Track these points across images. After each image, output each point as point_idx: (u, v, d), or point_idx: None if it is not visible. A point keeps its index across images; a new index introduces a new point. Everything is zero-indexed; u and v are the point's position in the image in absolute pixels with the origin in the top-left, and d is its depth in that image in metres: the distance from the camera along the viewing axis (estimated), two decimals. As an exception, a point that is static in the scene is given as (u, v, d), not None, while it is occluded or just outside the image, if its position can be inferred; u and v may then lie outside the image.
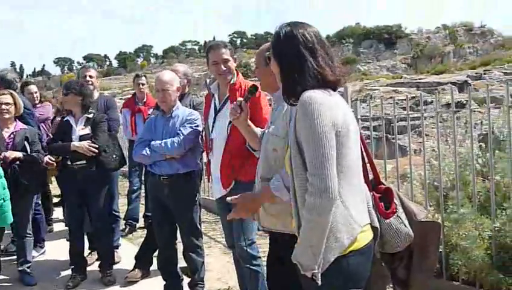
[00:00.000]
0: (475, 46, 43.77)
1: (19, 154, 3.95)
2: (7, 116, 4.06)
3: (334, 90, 1.77)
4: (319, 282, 1.62)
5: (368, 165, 2.01)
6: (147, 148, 3.45)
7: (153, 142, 3.45)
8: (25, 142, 4.04)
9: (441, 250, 3.26)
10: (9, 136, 4.03)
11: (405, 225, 1.90)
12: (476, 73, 26.84)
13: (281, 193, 2.01)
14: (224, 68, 3.04)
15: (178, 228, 3.65)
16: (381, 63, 48.42)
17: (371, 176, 2.01)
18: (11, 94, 4.15)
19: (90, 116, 4.04)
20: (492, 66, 27.74)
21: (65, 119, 4.09)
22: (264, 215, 2.20)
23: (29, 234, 4.20)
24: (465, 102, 15.94)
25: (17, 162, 3.91)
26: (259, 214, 2.22)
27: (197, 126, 3.48)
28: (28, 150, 4.04)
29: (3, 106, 4.03)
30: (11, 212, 3.65)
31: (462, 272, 3.27)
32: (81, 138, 3.95)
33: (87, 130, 3.99)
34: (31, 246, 4.26)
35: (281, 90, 1.82)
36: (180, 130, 3.44)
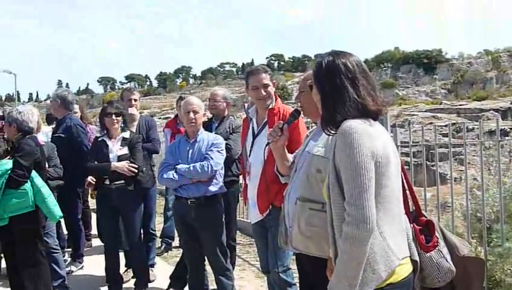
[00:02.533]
0: (520, 72, 42.41)
1: None
2: None
3: (375, 119, 1.76)
4: None
5: (409, 195, 1.97)
6: (173, 172, 3.52)
7: (179, 166, 3.52)
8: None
9: (484, 285, 3.13)
10: None
11: (446, 260, 1.84)
12: (521, 100, 25.93)
13: None
14: (264, 93, 3.08)
15: (206, 251, 3.66)
16: (420, 88, 47.62)
17: (411, 207, 1.97)
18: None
19: (127, 136, 4.13)
20: (538, 93, 26.74)
21: (100, 139, 4.14)
22: (298, 237, 2.18)
23: (56, 249, 4.24)
24: (508, 130, 15.43)
25: None
26: (292, 236, 2.21)
27: (223, 150, 3.59)
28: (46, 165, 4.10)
29: None
30: None
31: (506, 309, 3.13)
32: (120, 158, 4.03)
33: (125, 150, 4.07)
34: (60, 261, 4.29)
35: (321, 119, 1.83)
36: (207, 154, 3.51)
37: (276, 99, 3.15)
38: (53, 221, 3.93)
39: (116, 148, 4.08)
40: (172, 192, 3.76)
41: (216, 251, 3.58)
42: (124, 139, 4.13)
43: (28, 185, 3.59)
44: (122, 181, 4.02)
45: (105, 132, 4.12)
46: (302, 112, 2.54)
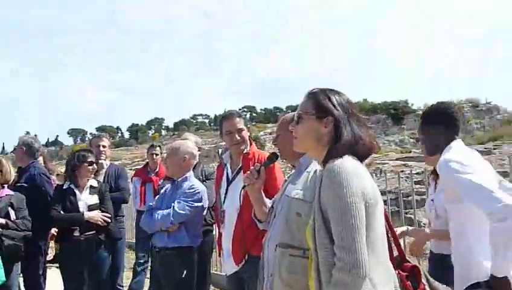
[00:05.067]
0: (482, 122, 44.20)
1: (1, 220, 3.81)
2: None
3: (362, 161, 1.70)
4: None
5: (392, 241, 1.89)
6: (151, 218, 3.42)
7: (154, 212, 3.42)
8: (9, 208, 3.92)
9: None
10: None
11: None
12: (486, 148, 26.82)
13: None
14: (238, 138, 3.02)
15: None
16: (389, 137, 48.80)
17: (395, 253, 1.88)
18: (1, 161, 4.11)
19: (95, 184, 4.00)
20: (501, 142, 27.75)
21: (67, 187, 3.96)
22: (279, 285, 2.05)
23: None
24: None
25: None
26: (273, 286, 2.07)
27: (194, 201, 3.38)
28: (13, 217, 3.91)
29: None
30: None
31: None
32: (90, 207, 3.87)
33: (95, 199, 3.92)
34: None
35: (308, 154, 1.80)
36: (174, 202, 3.36)
37: (250, 144, 3.09)
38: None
39: (85, 197, 3.91)
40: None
41: None
42: (92, 187, 3.97)
43: None
44: (93, 231, 3.82)
45: (69, 180, 3.97)
46: (279, 155, 2.48)
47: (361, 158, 1.70)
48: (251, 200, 2.43)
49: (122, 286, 4.75)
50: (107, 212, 3.90)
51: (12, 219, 3.90)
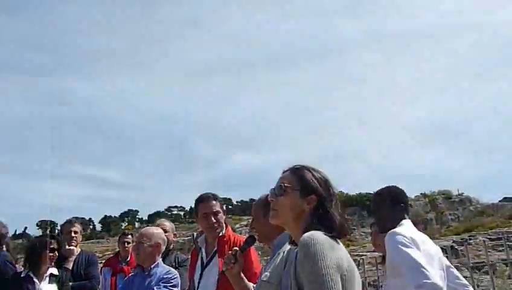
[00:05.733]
0: (456, 213, 44.77)
1: None
2: None
3: (338, 237, 1.69)
4: None
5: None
6: None
7: None
8: None
9: None
10: None
11: None
12: (462, 239, 26.94)
13: None
14: (214, 220, 3.01)
15: None
16: (365, 229, 48.58)
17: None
18: None
19: (55, 272, 3.83)
20: (476, 232, 28.00)
21: (25, 274, 3.77)
22: None
23: None
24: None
25: None
26: None
27: (173, 286, 3.30)
28: None
29: None
30: None
31: None
32: None
33: (54, 288, 3.73)
34: None
35: (285, 233, 1.84)
36: (153, 289, 3.25)
37: (226, 227, 3.07)
38: None
39: (44, 286, 3.72)
40: None
41: None
42: (52, 275, 3.80)
43: None
44: None
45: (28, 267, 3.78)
46: (256, 239, 2.47)
47: (336, 237, 1.69)
48: (233, 285, 2.38)
49: None
50: None
51: None
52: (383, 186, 2.79)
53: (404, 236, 2.37)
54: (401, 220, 2.59)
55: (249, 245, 2.45)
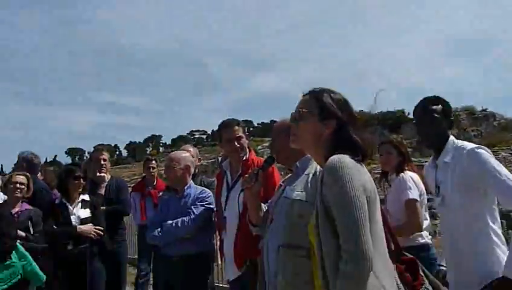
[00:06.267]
0: (479, 129, 44.27)
1: (22, 233, 3.92)
2: (19, 195, 4.14)
3: (362, 160, 1.72)
4: None
5: (389, 236, 1.93)
6: (158, 229, 3.39)
7: (164, 223, 3.39)
8: (29, 222, 4.04)
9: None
10: (14, 214, 4.06)
11: None
12: (484, 155, 26.82)
13: None
14: (238, 145, 3.07)
15: None
16: (386, 147, 48.71)
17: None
18: (26, 175, 4.24)
19: (87, 198, 4.04)
20: (498, 148, 27.82)
21: (59, 202, 4.02)
22: (284, 285, 2.06)
23: None
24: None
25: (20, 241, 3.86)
26: (278, 286, 2.09)
27: (209, 204, 3.43)
28: (31, 230, 4.03)
29: (18, 185, 4.13)
30: None
31: None
32: (82, 221, 3.91)
33: (87, 213, 3.97)
34: None
35: (307, 156, 1.89)
36: (191, 209, 3.40)
37: (249, 151, 3.14)
38: (39, 284, 3.75)
39: (77, 211, 3.96)
40: (161, 251, 3.55)
41: None
42: (84, 201, 4.02)
43: (13, 255, 3.54)
44: (87, 244, 3.86)
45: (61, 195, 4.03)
46: (276, 159, 2.52)
47: (358, 156, 1.72)
48: (247, 204, 2.47)
49: (124, 300, 4.75)
50: (100, 226, 3.93)
51: (31, 233, 4.01)
52: (429, 97, 2.51)
53: (486, 150, 2.25)
54: (448, 133, 2.44)
55: (269, 164, 2.51)
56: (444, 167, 2.35)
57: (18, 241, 3.85)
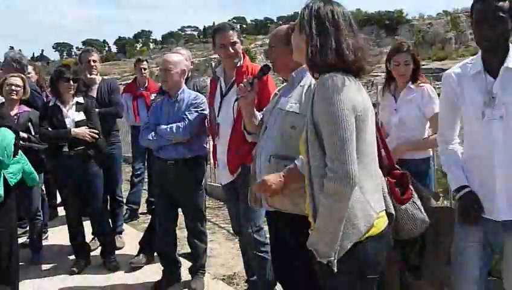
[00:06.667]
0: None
1: (23, 134, 3.96)
2: (15, 97, 4.12)
3: (356, 76, 1.70)
4: (335, 269, 1.59)
5: (383, 150, 1.96)
6: (152, 133, 3.41)
7: (158, 127, 3.41)
8: (29, 124, 4.07)
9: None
10: (13, 117, 4.06)
11: (421, 211, 1.87)
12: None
13: None
14: (232, 51, 2.97)
15: (183, 214, 3.62)
16: (382, 49, 48.09)
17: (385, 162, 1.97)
18: (22, 77, 4.21)
19: (81, 100, 3.99)
20: (494, 52, 27.58)
21: (53, 104, 3.96)
22: None
23: (39, 215, 4.29)
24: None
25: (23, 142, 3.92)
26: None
27: (203, 110, 3.42)
28: (32, 132, 4.09)
29: (13, 87, 4.10)
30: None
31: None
32: (77, 123, 3.89)
33: (82, 116, 3.93)
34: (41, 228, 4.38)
35: (303, 67, 1.81)
36: (185, 114, 3.39)
37: (244, 57, 3.06)
38: (34, 184, 3.85)
39: (71, 114, 3.92)
40: (154, 154, 3.59)
41: (193, 214, 3.55)
42: (78, 104, 3.97)
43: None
44: (82, 147, 3.89)
45: (55, 97, 3.97)
46: (272, 68, 2.48)
47: (352, 73, 1.68)
48: (242, 112, 2.47)
49: (122, 197, 4.93)
50: (95, 128, 3.93)
51: (32, 134, 4.08)
52: None
53: None
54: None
55: (264, 73, 2.48)
56: (507, 74, 1.99)
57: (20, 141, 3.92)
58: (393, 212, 1.79)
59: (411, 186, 1.90)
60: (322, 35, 1.68)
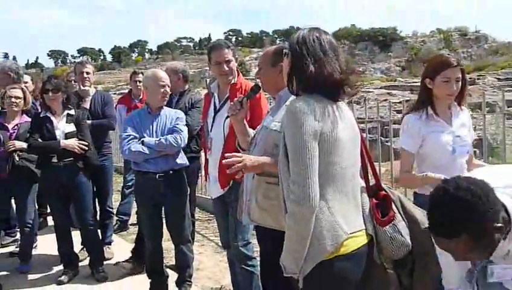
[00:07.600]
0: (469, 51, 44.03)
1: (23, 144, 4.04)
2: (16, 109, 4.22)
3: (335, 99, 1.75)
4: (300, 286, 1.67)
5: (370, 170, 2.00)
6: (143, 146, 3.41)
7: (147, 139, 3.44)
8: (29, 135, 4.07)
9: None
10: (14, 127, 4.19)
11: (401, 235, 1.87)
12: (470, 78, 27.03)
13: None
14: (227, 68, 3.04)
15: (170, 225, 3.66)
16: (375, 65, 48.63)
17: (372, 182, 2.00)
18: (22, 89, 4.31)
19: (72, 112, 4.03)
20: (486, 72, 27.90)
21: (43, 115, 4.00)
22: (255, 209, 2.23)
23: (30, 223, 4.29)
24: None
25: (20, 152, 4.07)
26: (250, 209, 2.25)
27: (185, 125, 3.61)
28: None
29: (13, 99, 4.19)
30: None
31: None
32: (67, 135, 3.92)
33: (72, 127, 3.96)
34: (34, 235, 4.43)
35: (287, 89, 1.88)
36: (177, 126, 3.50)
37: (238, 75, 3.13)
38: None
39: (62, 125, 3.96)
40: (135, 167, 3.58)
41: (181, 222, 3.60)
42: (69, 115, 4.01)
43: None
44: (71, 158, 3.91)
45: (45, 108, 4.02)
46: (262, 87, 2.55)
47: (331, 96, 1.75)
48: (235, 130, 2.53)
49: (112, 208, 4.94)
50: (84, 140, 3.96)
51: None
52: None
53: None
54: None
55: (254, 93, 2.55)
56: None
57: (19, 152, 4.07)
58: (372, 233, 1.83)
59: (394, 209, 1.92)
60: (304, 60, 1.75)
